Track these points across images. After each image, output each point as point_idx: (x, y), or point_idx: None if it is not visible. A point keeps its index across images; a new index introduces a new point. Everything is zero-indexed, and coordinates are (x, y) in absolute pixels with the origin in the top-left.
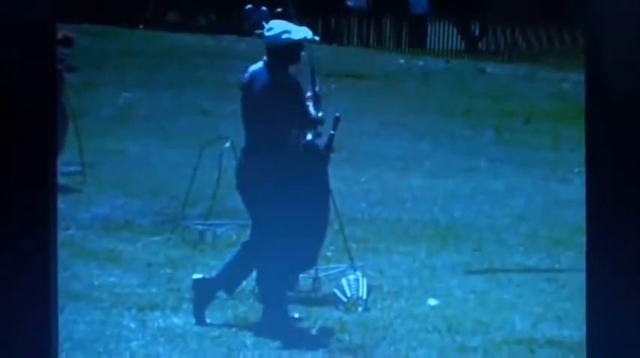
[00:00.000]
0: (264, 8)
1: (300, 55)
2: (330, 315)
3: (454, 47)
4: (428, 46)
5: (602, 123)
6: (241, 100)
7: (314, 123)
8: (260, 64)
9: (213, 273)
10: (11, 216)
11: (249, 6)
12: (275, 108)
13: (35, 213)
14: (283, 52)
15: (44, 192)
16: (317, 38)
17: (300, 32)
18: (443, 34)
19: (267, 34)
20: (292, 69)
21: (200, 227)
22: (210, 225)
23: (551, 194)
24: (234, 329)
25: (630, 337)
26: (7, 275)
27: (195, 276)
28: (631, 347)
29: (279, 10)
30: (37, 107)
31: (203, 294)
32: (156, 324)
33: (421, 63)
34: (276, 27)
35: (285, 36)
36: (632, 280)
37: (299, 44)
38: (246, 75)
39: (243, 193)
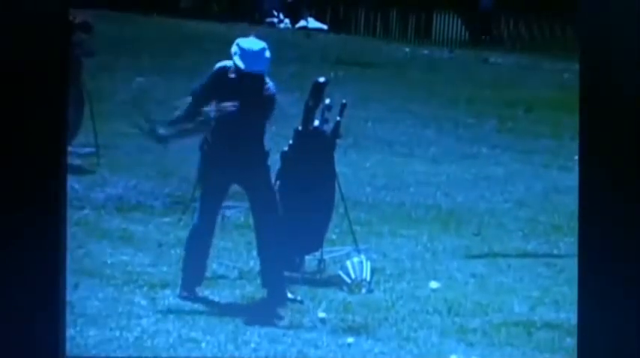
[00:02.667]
0: None
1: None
2: (334, 296)
3: (458, 37)
4: (433, 36)
5: (595, 121)
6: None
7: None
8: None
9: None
10: (23, 199)
11: None
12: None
13: (46, 195)
14: (251, 78)
15: (55, 174)
16: (324, 26)
17: (265, 60)
18: (447, 24)
19: (237, 63)
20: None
21: None
22: None
23: (551, 181)
24: (241, 308)
25: (619, 321)
26: (19, 255)
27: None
28: (620, 331)
29: None
30: (48, 92)
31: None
32: (166, 302)
33: (426, 52)
34: (245, 55)
35: (252, 68)
36: (622, 268)
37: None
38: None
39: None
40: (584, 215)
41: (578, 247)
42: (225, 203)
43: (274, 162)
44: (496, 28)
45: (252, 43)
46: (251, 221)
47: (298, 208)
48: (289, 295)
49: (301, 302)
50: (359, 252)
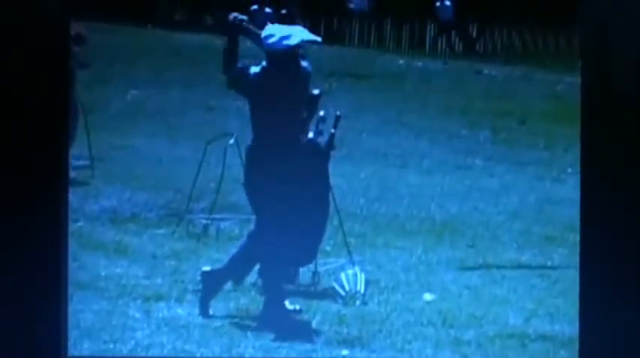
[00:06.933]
0: (268, 9)
1: (299, 55)
2: (328, 308)
3: (452, 48)
4: (427, 48)
5: (596, 127)
6: (249, 102)
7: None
8: (260, 68)
9: (220, 266)
10: (25, 210)
11: (255, 7)
12: (280, 110)
13: (48, 207)
14: (284, 56)
15: (56, 185)
16: (318, 39)
17: (298, 35)
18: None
19: (267, 41)
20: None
21: (204, 221)
22: (214, 219)
23: (545, 192)
24: (235, 320)
25: (621, 333)
26: (20, 265)
27: (204, 269)
28: (622, 342)
29: (283, 11)
30: (50, 103)
31: (210, 286)
32: (160, 315)
33: (420, 64)
34: (275, 33)
35: (284, 42)
36: (624, 278)
37: (298, 47)
38: (251, 76)
39: (249, 189)
40: (586, 222)
41: (580, 257)
42: (221, 215)
43: None
44: (490, 41)
45: (281, 26)
46: (248, 231)
47: (292, 220)
48: (288, 306)
49: (301, 311)
50: (353, 264)
